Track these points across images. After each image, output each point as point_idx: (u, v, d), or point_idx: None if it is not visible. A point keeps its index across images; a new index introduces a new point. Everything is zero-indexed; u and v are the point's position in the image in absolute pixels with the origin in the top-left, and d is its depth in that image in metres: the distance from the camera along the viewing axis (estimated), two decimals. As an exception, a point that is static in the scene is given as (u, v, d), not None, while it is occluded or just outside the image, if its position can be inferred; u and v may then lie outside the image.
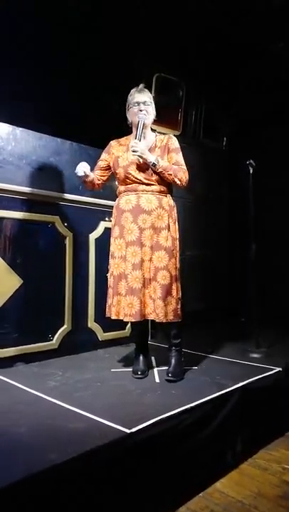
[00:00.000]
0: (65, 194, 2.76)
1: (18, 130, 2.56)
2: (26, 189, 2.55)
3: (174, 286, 2.21)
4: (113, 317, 2.25)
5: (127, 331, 3.15)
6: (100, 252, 2.97)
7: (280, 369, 2.41)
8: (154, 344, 3.00)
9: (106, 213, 3.03)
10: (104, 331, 3.00)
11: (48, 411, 1.76)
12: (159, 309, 2.15)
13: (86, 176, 2.23)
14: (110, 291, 2.29)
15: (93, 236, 2.96)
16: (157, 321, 2.18)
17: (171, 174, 2.20)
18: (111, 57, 3.30)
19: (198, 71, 3.96)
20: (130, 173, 2.23)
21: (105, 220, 3.02)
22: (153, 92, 3.54)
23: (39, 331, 2.61)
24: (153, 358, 2.61)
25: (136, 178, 2.22)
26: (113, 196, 3.11)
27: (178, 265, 2.27)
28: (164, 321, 2.16)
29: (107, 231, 3.01)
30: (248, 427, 2.08)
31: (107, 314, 2.30)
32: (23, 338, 2.51)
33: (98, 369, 2.44)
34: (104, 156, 2.38)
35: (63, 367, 2.45)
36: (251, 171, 2.93)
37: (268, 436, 2.20)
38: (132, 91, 2.29)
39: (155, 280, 2.18)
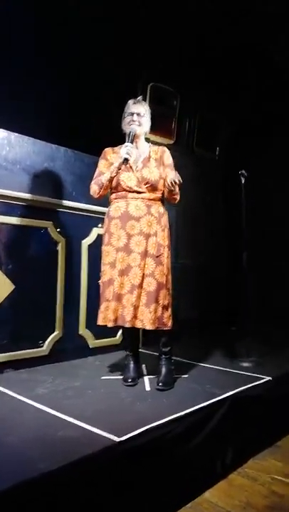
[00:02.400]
0: (59, 200, 2.76)
1: (13, 135, 2.56)
2: (20, 194, 2.55)
3: (160, 294, 2.19)
4: (99, 323, 2.25)
5: (118, 338, 3.14)
6: (93, 259, 2.97)
7: (270, 378, 2.42)
8: (145, 352, 2.99)
9: (99, 220, 3.03)
10: (95, 338, 2.99)
11: (37, 419, 1.75)
12: (143, 316, 2.15)
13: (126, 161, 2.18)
14: (101, 297, 2.30)
15: (86, 242, 2.96)
16: (140, 327, 2.18)
17: (177, 193, 2.26)
18: (112, 64, 3.31)
19: (195, 78, 3.99)
20: (122, 181, 2.24)
21: (98, 227, 3.03)
22: (148, 101, 3.57)
23: (30, 337, 2.59)
24: (144, 365, 2.60)
25: (127, 186, 2.24)
26: (106, 203, 3.12)
27: (166, 272, 2.25)
28: (150, 328, 2.15)
29: (100, 237, 3.01)
30: (237, 436, 2.08)
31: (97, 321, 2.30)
32: (14, 344, 2.49)
33: (88, 376, 2.43)
34: (103, 162, 2.36)
35: (53, 374, 2.43)
36: (243, 181, 2.96)
37: (257, 446, 2.20)
38: (129, 102, 2.33)
39: (141, 287, 2.18)
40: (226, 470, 1.95)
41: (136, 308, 2.15)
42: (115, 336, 3.13)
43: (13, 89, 2.76)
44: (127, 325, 2.15)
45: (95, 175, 2.35)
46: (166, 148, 2.39)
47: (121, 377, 2.34)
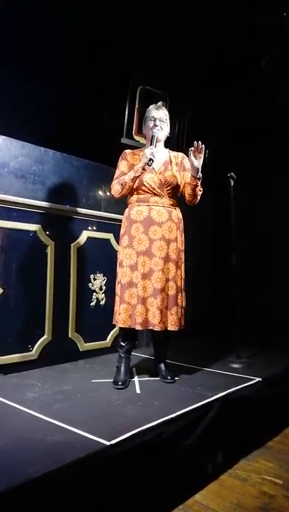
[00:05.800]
0: (48, 203, 2.75)
1: (1, 138, 2.54)
2: (8, 197, 2.53)
3: (179, 296, 2.33)
4: (120, 325, 2.28)
5: (108, 341, 3.13)
6: (82, 262, 2.96)
7: (260, 379, 2.44)
8: (134, 355, 2.98)
9: (89, 222, 3.03)
10: (85, 342, 2.97)
11: (27, 423, 1.73)
12: (165, 318, 2.26)
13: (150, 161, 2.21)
14: (117, 298, 2.34)
15: (75, 245, 2.94)
16: (162, 329, 2.24)
17: (200, 189, 2.34)
18: (102, 65, 3.29)
19: (187, 82, 4.00)
20: (146, 181, 2.29)
21: (88, 229, 3.02)
22: (137, 103, 3.58)
23: (18, 341, 2.56)
24: (134, 368, 2.59)
25: (150, 187, 2.29)
26: (96, 206, 3.12)
27: (183, 275, 2.39)
28: (172, 329, 2.27)
29: (90, 240, 3.02)
30: (228, 437, 2.08)
31: (114, 321, 2.35)
32: (2, 348, 2.47)
33: (78, 380, 2.41)
34: (124, 162, 2.40)
35: (43, 378, 2.41)
36: (232, 184, 2.98)
37: (247, 447, 2.21)
38: (150, 107, 2.41)
39: (164, 291, 2.27)
40: (217, 471, 1.95)
41: (161, 311, 2.23)
42: (105, 339, 3.12)
43: (2, 92, 2.73)
44: (157, 328, 2.22)
45: (115, 175, 2.39)
46: (184, 154, 2.45)
47: (111, 380, 2.33)
